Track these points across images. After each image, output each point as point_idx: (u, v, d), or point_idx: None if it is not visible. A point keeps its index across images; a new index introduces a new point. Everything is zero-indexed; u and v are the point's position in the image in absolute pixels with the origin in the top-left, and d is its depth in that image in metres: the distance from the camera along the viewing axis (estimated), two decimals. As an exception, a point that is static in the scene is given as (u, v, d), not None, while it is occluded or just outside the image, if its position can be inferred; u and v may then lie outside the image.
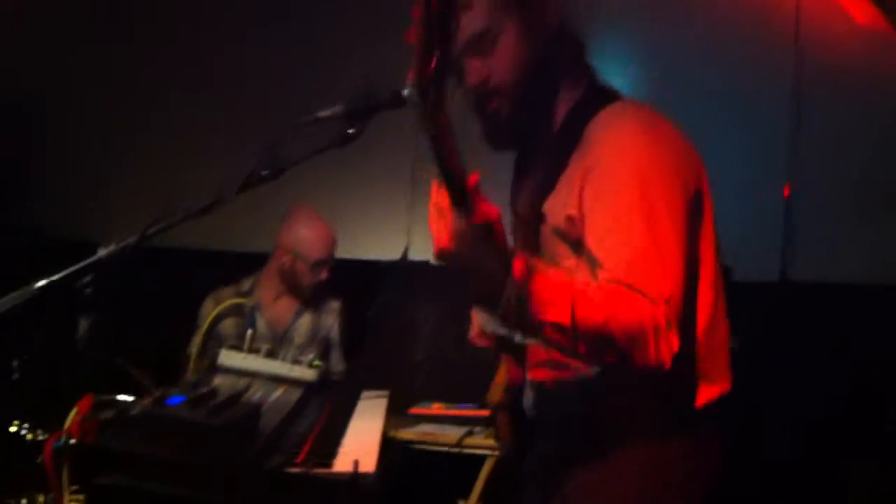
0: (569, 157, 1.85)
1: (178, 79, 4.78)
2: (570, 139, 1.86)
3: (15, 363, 2.21)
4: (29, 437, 2.08)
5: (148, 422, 1.63)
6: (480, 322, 1.80)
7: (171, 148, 4.74)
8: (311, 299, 3.95)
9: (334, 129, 1.88)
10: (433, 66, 1.34)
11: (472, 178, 1.53)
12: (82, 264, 1.92)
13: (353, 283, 4.33)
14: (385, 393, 3.21)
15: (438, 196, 1.59)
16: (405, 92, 1.82)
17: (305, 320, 3.95)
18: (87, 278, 1.91)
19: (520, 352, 2.02)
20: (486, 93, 1.91)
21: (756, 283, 4.18)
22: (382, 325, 4.23)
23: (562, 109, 1.94)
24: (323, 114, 1.88)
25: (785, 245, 4.48)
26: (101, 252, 1.95)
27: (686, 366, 1.80)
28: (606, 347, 1.62)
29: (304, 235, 3.82)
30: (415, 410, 3.93)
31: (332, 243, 3.88)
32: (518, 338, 1.76)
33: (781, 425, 4.00)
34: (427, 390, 4.13)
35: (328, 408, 2.59)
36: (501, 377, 2.20)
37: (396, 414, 3.65)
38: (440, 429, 3.75)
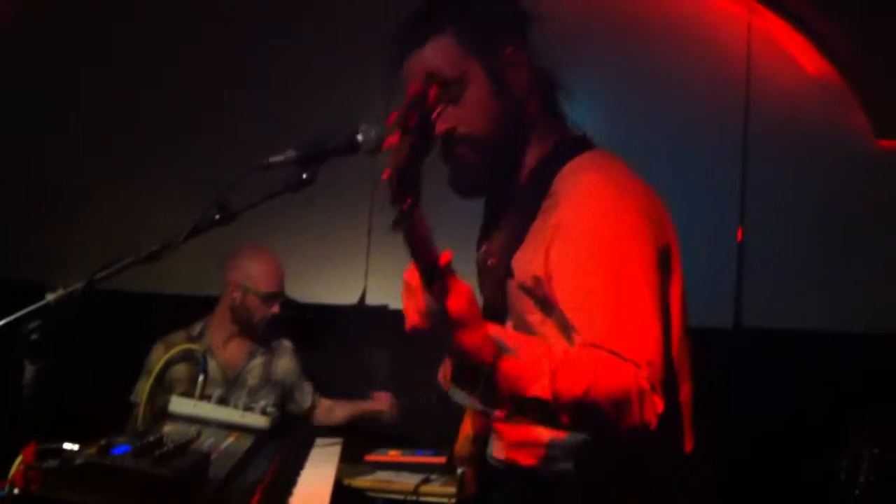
0: (536, 211, 1.83)
1: (130, 123, 4.75)
2: (537, 192, 1.84)
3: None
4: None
5: (92, 471, 1.59)
6: (454, 395, 1.77)
7: (124, 191, 4.70)
8: (263, 340, 3.94)
9: (288, 174, 1.88)
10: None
11: (444, 256, 1.51)
12: (29, 309, 1.90)
13: (309, 328, 4.31)
14: (339, 440, 3.18)
15: (409, 274, 1.56)
16: (359, 137, 1.86)
17: (258, 362, 3.93)
18: (34, 324, 1.88)
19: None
20: (453, 140, 1.86)
21: (710, 329, 4.21)
22: (337, 370, 4.20)
23: (531, 161, 1.91)
24: (275, 159, 1.87)
25: (738, 291, 4.52)
26: (49, 297, 1.93)
27: (673, 427, 1.79)
28: (590, 415, 1.60)
29: (253, 269, 3.83)
30: (371, 457, 3.89)
31: (282, 276, 3.89)
32: (496, 412, 1.75)
33: (736, 473, 4.00)
34: (382, 437, 4.10)
35: (280, 456, 2.56)
36: (467, 428, 2.17)
37: (352, 461, 3.61)
38: (396, 476, 3.72)
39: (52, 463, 1.62)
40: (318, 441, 3.10)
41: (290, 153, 1.86)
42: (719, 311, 4.46)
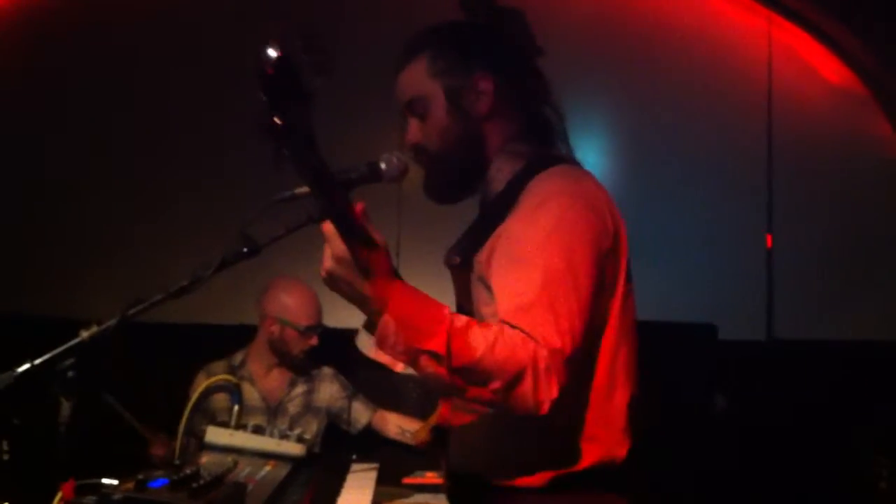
0: (503, 218, 1.94)
1: (157, 160, 4.80)
2: (507, 200, 1.95)
3: (4, 444, 2.19)
4: (15, 518, 2.07)
5: (130, 505, 1.61)
6: (363, 346, 1.87)
7: (153, 229, 4.75)
8: (303, 369, 3.96)
9: (312, 205, 1.91)
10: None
11: (357, 206, 1.64)
12: (64, 347, 1.93)
13: (341, 352, 4.33)
14: (374, 465, 3.18)
15: (326, 224, 1.68)
16: (382, 165, 1.95)
17: (299, 391, 3.95)
18: (69, 361, 1.92)
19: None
20: (419, 153, 2.06)
21: (742, 341, 4.19)
22: (370, 394, 4.21)
23: (505, 175, 2.02)
24: (300, 190, 1.91)
25: (770, 303, 4.50)
26: (83, 334, 1.96)
27: (570, 423, 1.87)
28: (483, 381, 1.67)
29: (290, 302, 3.84)
30: (408, 480, 3.88)
31: (318, 308, 3.89)
32: (397, 366, 1.81)
33: (769, 483, 3.98)
34: (418, 459, 4.10)
35: (315, 482, 2.57)
36: (432, 417, 2.29)
37: (388, 484, 3.61)
38: (434, 498, 3.70)
39: (90, 499, 1.63)
40: (354, 466, 3.10)
41: (314, 184, 1.90)
42: (752, 323, 4.44)
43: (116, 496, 1.62)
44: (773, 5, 4.52)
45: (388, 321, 1.69)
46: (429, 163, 2.06)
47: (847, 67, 4.48)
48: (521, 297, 1.76)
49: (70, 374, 1.91)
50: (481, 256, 1.96)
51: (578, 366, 1.79)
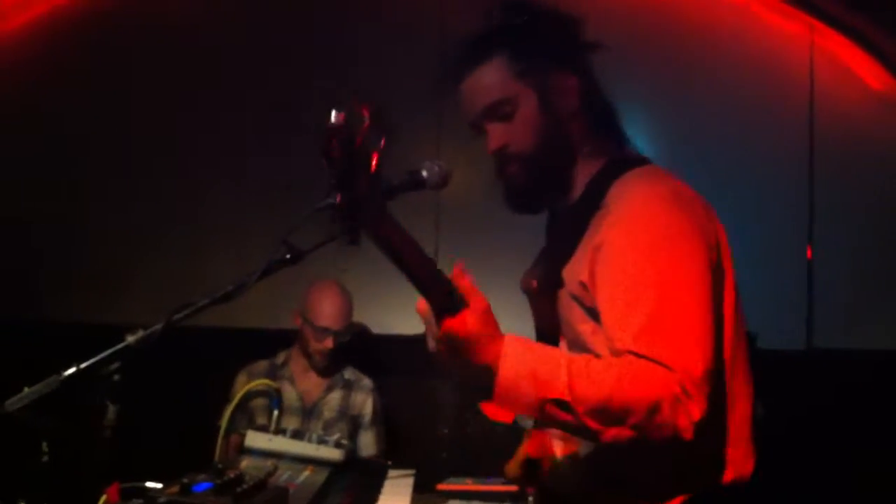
0: (588, 224, 1.86)
1: (201, 168, 4.84)
2: (589, 206, 1.88)
3: (45, 446, 2.22)
4: (57, 522, 2.09)
5: (175, 509, 1.63)
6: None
7: (195, 237, 4.79)
8: (329, 373, 3.99)
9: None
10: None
11: (456, 268, 1.61)
12: (110, 351, 1.96)
13: (380, 358, 4.35)
14: (411, 472, 3.19)
15: (420, 303, 1.65)
16: (424, 173, 1.91)
17: (336, 395, 3.98)
18: (115, 365, 1.94)
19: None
20: (506, 158, 1.95)
21: (782, 350, 4.16)
22: (405, 401, 4.23)
23: (582, 180, 1.96)
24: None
25: (810, 312, 4.46)
26: (129, 339, 1.98)
27: (699, 442, 1.70)
28: (616, 420, 1.60)
29: (315, 302, 3.89)
30: (443, 486, 3.88)
31: (341, 314, 3.90)
32: (526, 422, 1.76)
33: (808, 492, 3.94)
34: (452, 465, 4.11)
35: (353, 488, 2.58)
36: (522, 450, 2.19)
37: (424, 492, 3.61)
38: (470, 507, 3.70)
39: (136, 502, 1.66)
40: (391, 472, 3.12)
41: (356, 192, 1.90)
42: (791, 332, 4.40)
43: (161, 499, 1.64)
44: (814, 12, 4.48)
45: (503, 380, 1.63)
46: (517, 167, 1.95)
47: (889, 74, 4.44)
48: (640, 321, 1.67)
49: (116, 378, 1.94)
50: (574, 271, 1.86)
51: (712, 378, 1.68)
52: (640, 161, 1.95)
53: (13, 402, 1.90)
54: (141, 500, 1.65)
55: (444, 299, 1.59)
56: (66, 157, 4.80)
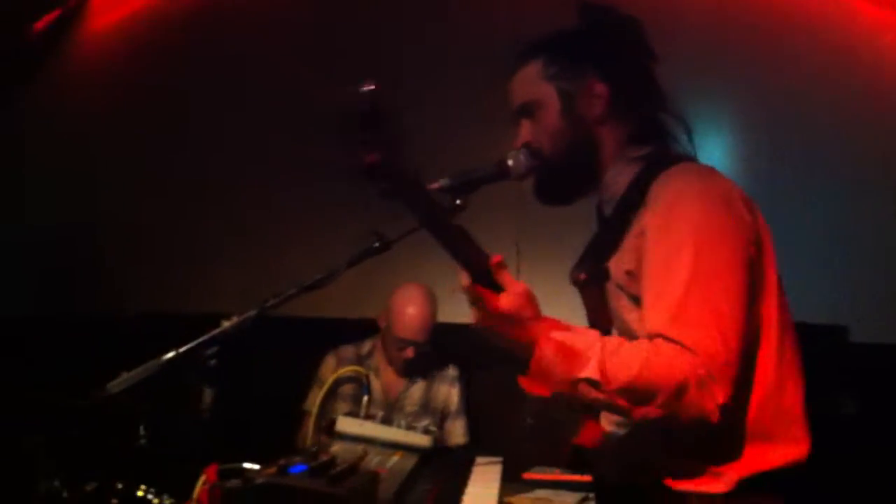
0: (631, 220, 1.95)
1: (289, 161, 4.93)
2: (631, 204, 1.97)
3: (142, 429, 2.29)
4: (155, 502, 2.16)
5: (272, 491, 1.67)
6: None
7: (287, 229, 4.89)
8: (422, 368, 3.99)
9: (442, 202, 1.95)
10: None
11: (494, 258, 1.75)
12: (207, 336, 2.02)
13: (463, 348, 4.37)
14: (499, 459, 3.21)
15: (463, 277, 1.78)
16: (510, 162, 2.00)
17: (418, 388, 3.99)
18: (212, 349, 2.00)
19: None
20: (532, 153, 2.09)
21: (875, 344, 4.07)
22: (489, 390, 4.23)
23: (625, 179, 2.04)
24: (431, 186, 1.94)
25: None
26: (225, 324, 2.05)
27: (748, 425, 1.86)
28: (645, 399, 1.70)
29: (399, 311, 3.87)
30: (529, 475, 3.89)
31: (421, 326, 3.88)
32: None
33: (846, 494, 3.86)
34: (537, 455, 4.11)
35: (442, 475, 2.61)
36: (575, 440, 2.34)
37: (510, 480, 3.63)
38: (556, 495, 3.70)
39: (234, 482, 1.70)
40: (478, 460, 3.14)
41: (445, 181, 1.97)
42: (886, 326, 4.29)
43: (259, 480, 1.68)
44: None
45: (540, 357, 1.76)
46: (540, 164, 2.09)
47: None
48: (671, 307, 1.77)
49: (212, 362, 2.00)
50: (620, 262, 1.96)
51: (746, 367, 1.81)
52: (680, 158, 2.02)
53: (114, 385, 1.98)
54: (239, 481, 1.70)
55: (485, 273, 1.75)
56: (167, 157, 4.97)
